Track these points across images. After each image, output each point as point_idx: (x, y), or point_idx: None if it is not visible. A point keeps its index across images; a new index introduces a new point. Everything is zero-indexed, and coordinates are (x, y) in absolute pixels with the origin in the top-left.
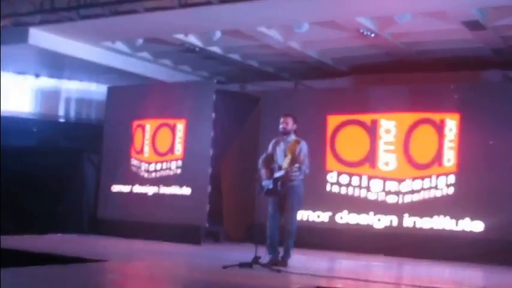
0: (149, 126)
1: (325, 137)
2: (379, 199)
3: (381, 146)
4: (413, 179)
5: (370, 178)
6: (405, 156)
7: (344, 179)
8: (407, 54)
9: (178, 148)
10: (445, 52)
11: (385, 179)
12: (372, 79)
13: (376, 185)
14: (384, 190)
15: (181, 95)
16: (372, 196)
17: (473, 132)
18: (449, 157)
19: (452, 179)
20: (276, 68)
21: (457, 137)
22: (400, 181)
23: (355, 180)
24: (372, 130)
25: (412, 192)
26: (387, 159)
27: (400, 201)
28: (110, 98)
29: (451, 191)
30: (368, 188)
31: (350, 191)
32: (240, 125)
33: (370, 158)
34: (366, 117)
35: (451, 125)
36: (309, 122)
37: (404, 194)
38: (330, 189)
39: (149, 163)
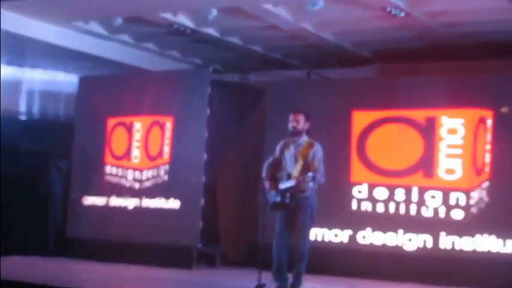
0: (140, 124)
1: (348, 139)
2: (413, 214)
3: (443, 150)
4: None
5: (424, 190)
6: (472, 162)
7: (381, 192)
8: (446, 38)
9: (166, 151)
10: (493, 35)
11: (447, 190)
12: (402, 68)
13: (434, 198)
14: (444, 204)
15: (168, 86)
16: (427, 212)
17: None
18: None
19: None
20: (285, 55)
21: None
22: (467, 192)
23: (399, 193)
24: (427, 130)
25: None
26: (450, 165)
27: (442, 216)
28: (82, 90)
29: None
30: (422, 203)
31: (392, 208)
32: (241, 124)
33: (426, 164)
34: (417, 114)
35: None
36: (326, 121)
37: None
38: (358, 207)
39: (141, 170)
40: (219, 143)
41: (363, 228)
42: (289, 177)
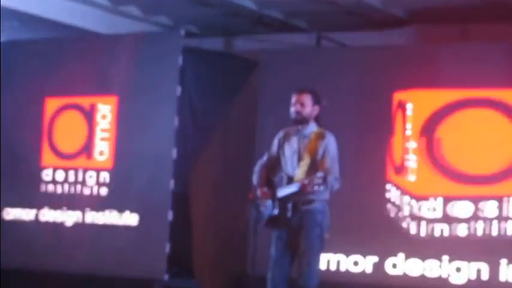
0: (109, 108)
1: (372, 131)
2: (462, 235)
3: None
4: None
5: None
6: None
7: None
8: None
9: (102, 148)
10: None
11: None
12: (446, 31)
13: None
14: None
15: (123, 55)
16: (462, 231)
17: None
18: None
19: None
20: (285, 12)
21: None
22: None
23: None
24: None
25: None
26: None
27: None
28: (6, 59)
29: None
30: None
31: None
32: (224, 108)
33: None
34: (499, 94)
35: None
36: (343, 106)
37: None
38: (408, 226)
39: (109, 171)
40: (194, 135)
41: (393, 254)
42: (290, 181)
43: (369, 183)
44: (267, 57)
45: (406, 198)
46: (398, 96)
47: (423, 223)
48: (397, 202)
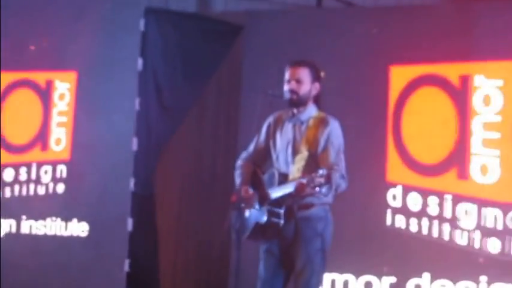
0: (67, 86)
1: (384, 114)
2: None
3: None
4: None
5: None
6: None
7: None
8: None
9: (59, 135)
10: None
11: None
12: None
13: None
14: None
15: (67, 18)
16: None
17: None
18: None
19: None
20: None
21: None
22: None
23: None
24: None
25: None
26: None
27: None
28: None
29: None
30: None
31: (466, 237)
32: (199, 85)
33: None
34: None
35: None
36: (352, 81)
37: None
38: (401, 233)
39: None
40: (160, 120)
41: (417, 274)
42: (283, 180)
43: (378, 179)
44: (253, 20)
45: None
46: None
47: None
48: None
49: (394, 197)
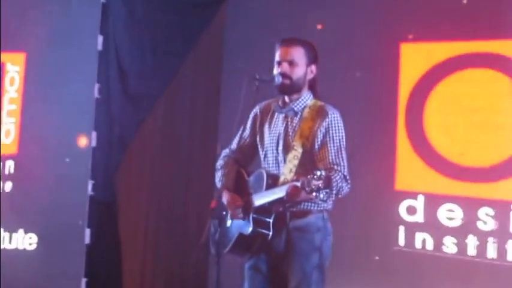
0: (16, 69)
1: (394, 103)
2: None
3: None
4: None
5: None
6: None
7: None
8: None
9: (9, 126)
10: None
11: None
12: None
13: None
14: None
15: None
16: None
17: None
18: None
19: None
20: None
21: None
22: None
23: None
24: None
25: None
26: None
27: None
28: None
29: None
30: None
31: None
32: (172, 67)
33: None
34: None
35: None
36: (351, 61)
37: None
38: (413, 243)
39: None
40: (125, 110)
41: None
42: (273, 182)
43: (383, 187)
44: None
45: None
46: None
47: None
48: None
49: (410, 210)
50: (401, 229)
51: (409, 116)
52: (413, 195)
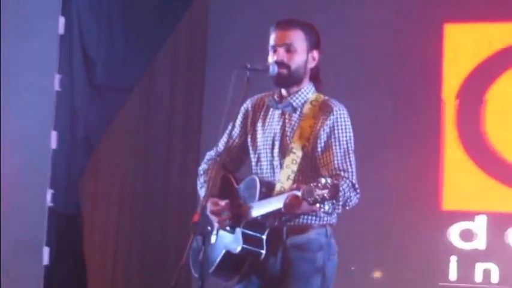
0: None
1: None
2: None
3: None
4: None
5: None
6: None
7: None
8: None
9: None
10: None
11: None
12: None
13: None
14: None
15: None
16: None
17: None
18: None
19: None
20: None
21: None
22: None
23: None
24: None
25: None
26: None
27: None
28: None
29: None
30: None
31: None
32: (147, 55)
33: None
34: None
35: None
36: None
37: None
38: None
39: None
40: (91, 106)
41: None
42: (267, 190)
43: (426, 208)
44: None
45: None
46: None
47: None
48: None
49: (464, 235)
50: (453, 259)
51: (462, 113)
52: (469, 216)
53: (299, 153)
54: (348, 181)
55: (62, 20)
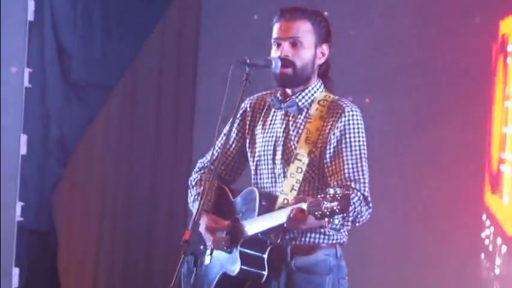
0: None
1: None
2: None
3: None
4: None
5: None
6: None
7: None
8: None
9: None
10: None
11: None
12: None
13: None
14: None
15: None
16: None
17: None
18: None
19: None
20: None
21: None
22: None
23: None
24: None
25: None
26: None
27: None
28: None
29: None
30: None
31: None
32: (131, 48)
33: None
34: None
35: None
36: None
37: None
38: None
39: None
40: (66, 106)
41: None
42: (268, 203)
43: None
44: None
45: (498, 239)
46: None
47: None
48: (490, 248)
49: None
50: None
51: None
52: None
53: (305, 160)
54: (359, 193)
55: (31, 4)
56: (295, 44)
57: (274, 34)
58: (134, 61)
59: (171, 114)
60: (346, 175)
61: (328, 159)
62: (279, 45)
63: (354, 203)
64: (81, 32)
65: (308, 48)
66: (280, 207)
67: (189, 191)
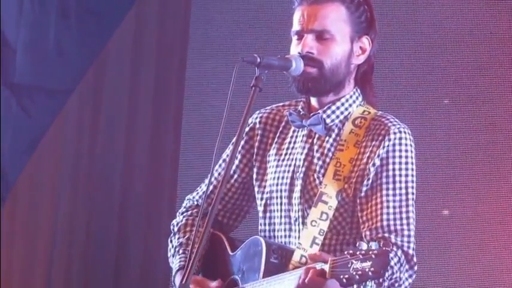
0: None
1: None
2: None
3: None
4: None
5: None
6: None
7: None
8: None
9: None
10: None
11: None
12: None
13: None
14: None
15: None
16: None
17: None
18: None
19: None
20: None
21: None
22: None
23: None
24: None
25: None
26: None
27: None
28: None
29: None
30: None
31: None
32: (97, 44)
33: None
34: None
35: None
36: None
37: None
38: None
39: None
40: (21, 108)
41: None
42: (282, 259)
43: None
44: None
45: None
46: None
47: None
48: None
49: None
50: None
51: None
52: None
53: (332, 203)
54: (399, 251)
55: None
56: (322, 36)
57: (295, 24)
58: (98, 58)
59: (147, 128)
60: (385, 223)
61: (362, 200)
62: (300, 38)
63: (392, 266)
64: (28, 21)
65: (341, 42)
66: (296, 267)
67: (169, 240)
